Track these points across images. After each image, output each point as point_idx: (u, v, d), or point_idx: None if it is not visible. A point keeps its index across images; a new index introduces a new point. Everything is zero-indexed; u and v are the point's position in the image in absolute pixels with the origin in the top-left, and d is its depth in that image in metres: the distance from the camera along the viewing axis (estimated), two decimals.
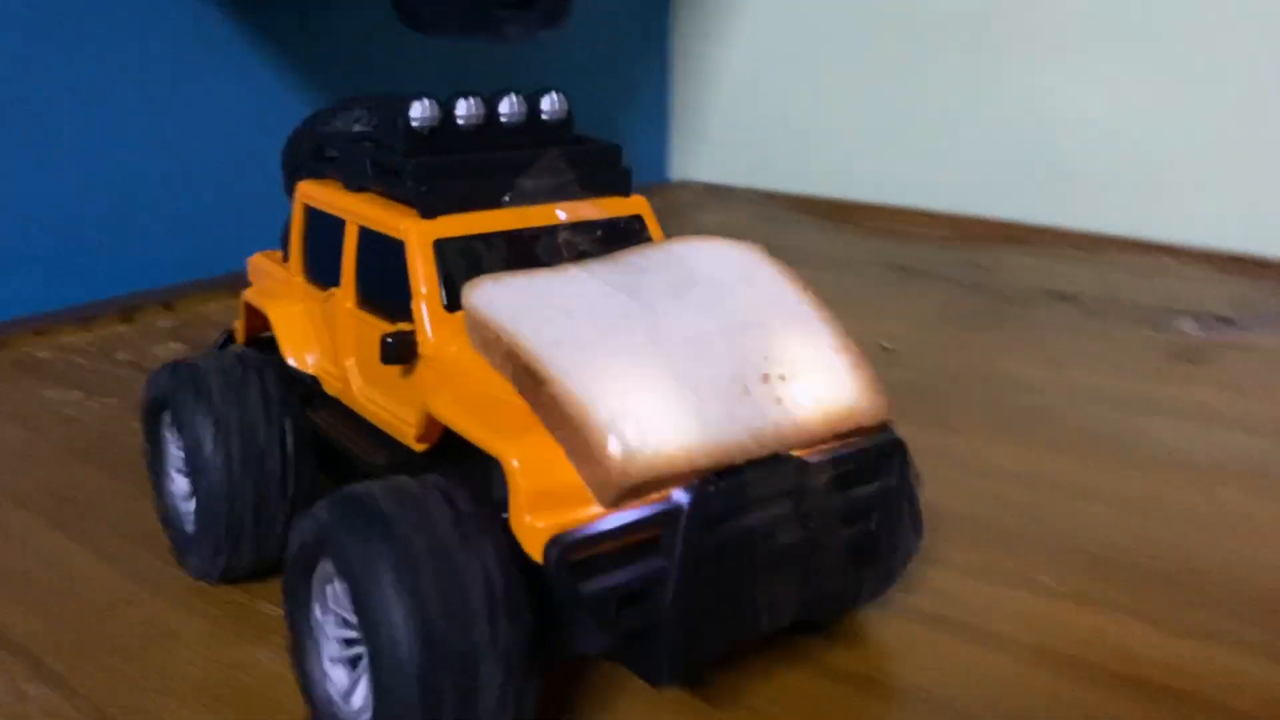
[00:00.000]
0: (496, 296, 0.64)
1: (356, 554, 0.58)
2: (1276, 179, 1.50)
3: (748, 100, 1.99)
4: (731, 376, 0.62)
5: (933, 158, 1.78)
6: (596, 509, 0.58)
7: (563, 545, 0.56)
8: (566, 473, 0.58)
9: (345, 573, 0.59)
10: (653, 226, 0.77)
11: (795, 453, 0.62)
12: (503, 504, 0.63)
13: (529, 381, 0.59)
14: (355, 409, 0.75)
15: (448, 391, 0.65)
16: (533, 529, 0.57)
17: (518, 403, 0.61)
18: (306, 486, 0.79)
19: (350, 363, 0.75)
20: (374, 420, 0.73)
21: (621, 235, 0.74)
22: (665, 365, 0.60)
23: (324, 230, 0.78)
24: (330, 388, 0.78)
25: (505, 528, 0.60)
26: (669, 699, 0.69)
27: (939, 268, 1.56)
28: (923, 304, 1.39)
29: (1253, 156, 1.52)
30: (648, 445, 0.57)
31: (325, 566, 0.62)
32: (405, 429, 0.70)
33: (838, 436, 0.64)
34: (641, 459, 0.57)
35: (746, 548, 0.61)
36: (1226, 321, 1.31)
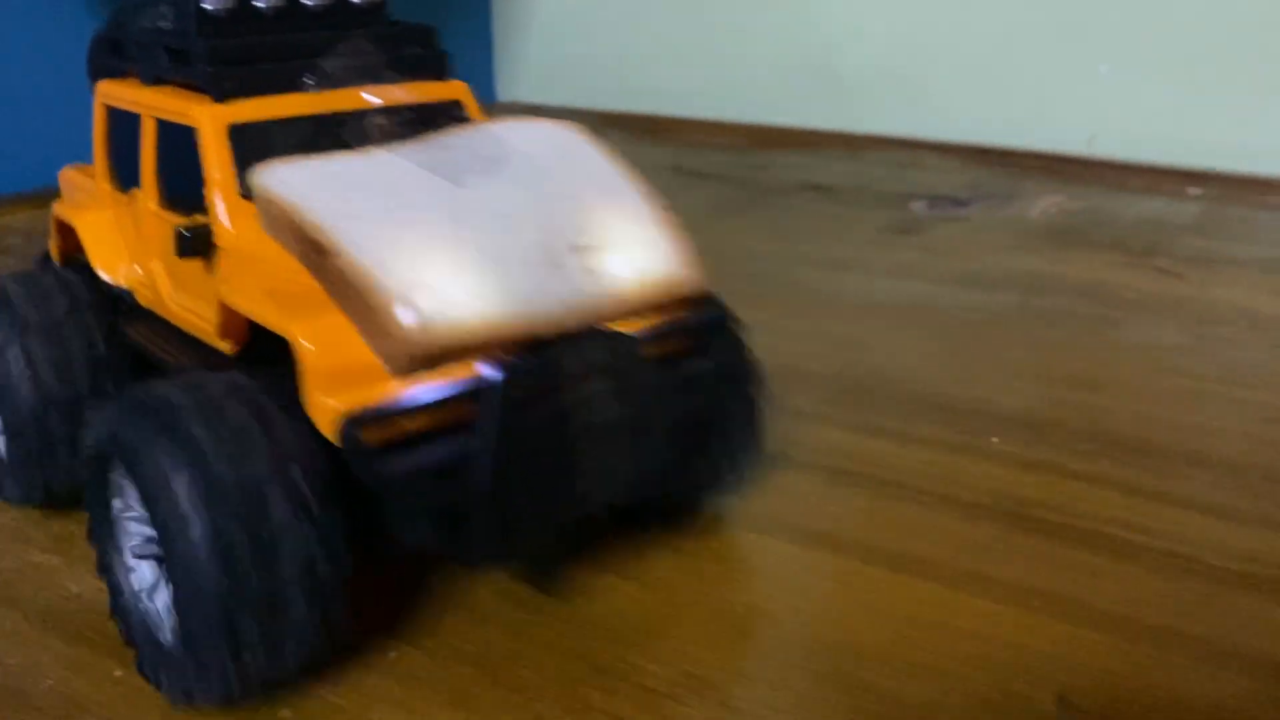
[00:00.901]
0: (289, 177, 0.60)
1: (144, 453, 0.55)
2: (1017, 79, 1.70)
3: (565, 22, 2.12)
4: (540, 247, 0.59)
5: (726, 72, 1.97)
6: (399, 387, 0.55)
7: (355, 421, 0.53)
8: (363, 351, 0.55)
9: (135, 474, 0.55)
10: (474, 113, 0.74)
11: (613, 326, 0.60)
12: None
13: (315, 256, 0.56)
14: (165, 316, 0.71)
15: (241, 280, 0.61)
16: (325, 407, 0.54)
17: (304, 283, 0.58)
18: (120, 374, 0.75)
19: (157, 267, 0.71)
20: (182, 325, 0.69)
21: (438, 122, 0.71)
22: (466, 237, 0.57)
23: (125, 130, 0.74)
24: (144, 299, 0.74)
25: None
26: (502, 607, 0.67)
27: (718, 170, 1.74)
28: (694, 199, 1.55)
29: (999, 60, 1.71)
30: (442, 314, 0.54)
31: (117, 468, 0.58)
32: (208, 328, 0.66)
33: (657, 309, 0.62)
34: (435, 329, 0.54)
35: (562, 424, 0.59)
36: (956, 202, 1.50)
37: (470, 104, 0.74)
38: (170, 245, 0.69)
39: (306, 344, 0.54)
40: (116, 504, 0.59)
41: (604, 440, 0.61)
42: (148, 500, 0.54)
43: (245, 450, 0.54)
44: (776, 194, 1.59)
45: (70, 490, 0.76)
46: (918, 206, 1.48)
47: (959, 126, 1.73)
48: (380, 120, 0.69)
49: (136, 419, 0.56)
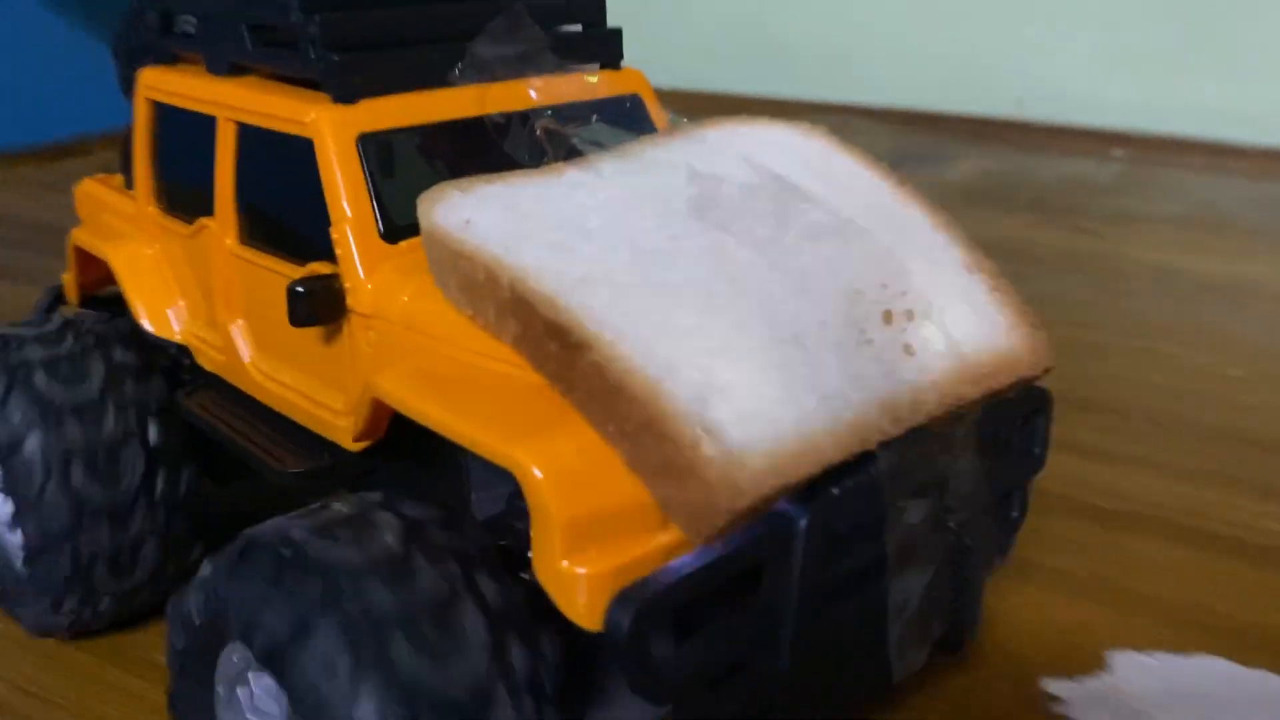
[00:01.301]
0: (475, 214, 0.41)
1: (284, 630, 0.36)
2: (945, 44, 1.70)
3: None
4: (844, 318, 0.41)
5: (656, 38, 2.07)
6: (666, 535, 0.37)
7: (637, 607, 0.35)
8: (618, 482, 0.37)
9: (271, 660, 0.37)
10: (654, 110, 0.55)
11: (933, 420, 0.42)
12: (497, 530, 0.41)
13: (552, 345, 0.37)
14: (250, 391, 0.52)
15: (403, 364, 0.42)
16: (576, 578, 0.36)
17: (522, 378, 0.39)
18: (185, 504, 0.56)
19: (238, 325, 0.52)
20: (281, 408, 0.50)
21: (617, 122, 0.52)
22: (751, 308, 0.39)
23: (184, 136, 0.54)
24: (209, 361, 0.54)
25: (515, 568, 0.39)
26: None
27: None
28: None
29: (927, 25, 1.71)
30: (756, 440, 0.36)
31: (233, 653, 0.39)
32: (333, 420, 0.47)
33: (989, 396, 0.44)
34: (753, 464, 0.35)
35: (878, 575, 0.41)
36: None
37: (650, 97, 0.55)
38: (262, 296, 0.50)
39: (543, 481, 0.35)
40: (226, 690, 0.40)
41: (928, 586, 0.43)
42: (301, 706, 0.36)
43: (438, 629, 0.36)
44: None
45: (111, 622, 0.57)
46: None
47: (888, 91, 1.72)
48: (551, 124, 0.50)
49: (285, 592, 0.37)
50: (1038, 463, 0.48)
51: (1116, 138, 1.56)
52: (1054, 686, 0.54)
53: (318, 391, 0.48)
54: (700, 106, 2.00)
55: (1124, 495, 0.70)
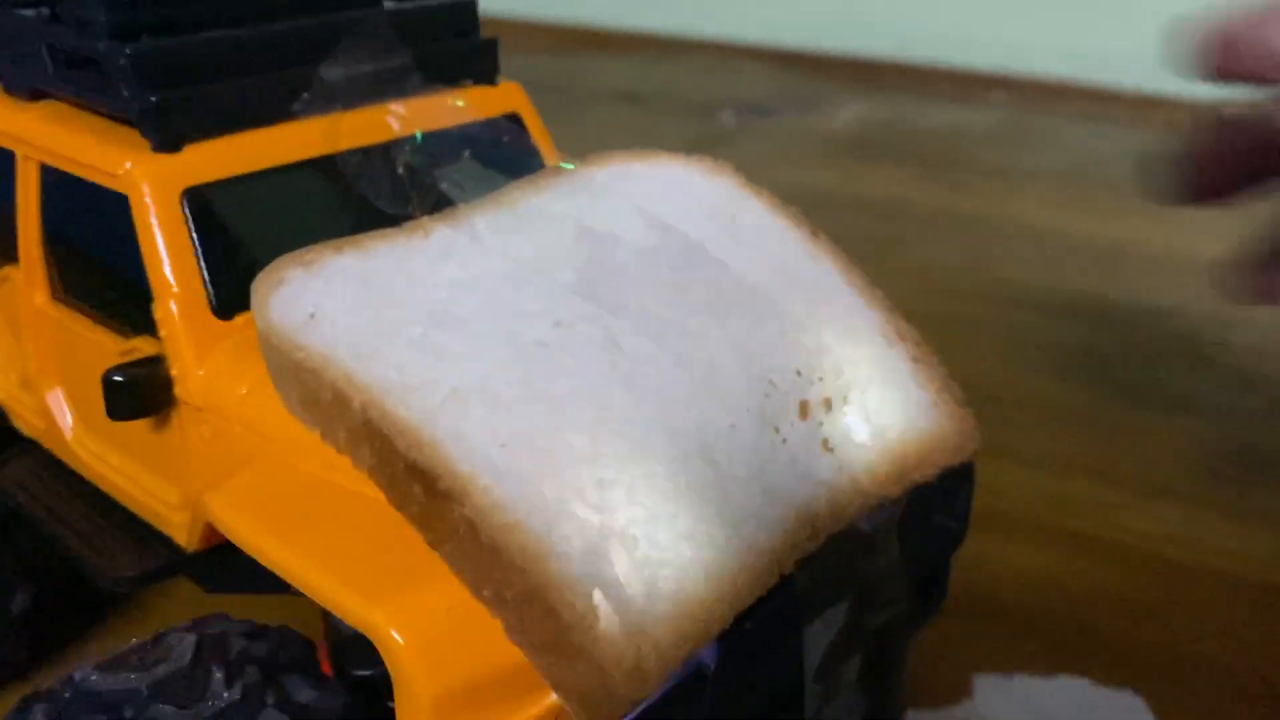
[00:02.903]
0: (321, 302, 0.35)
1: None
2: None
3: None
4: (757, 417, 0.35)
5: None
6: (548, 700, 0.32)
7: None
8: (498, 643, 0.31)
9: None
10: (535, 128, 0.49)
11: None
12: (358, 656, 0.36)
13: (415, 488, 0.31)
14: (75, 468, 0.45)
15: (241, 477, 0.36)
16: None
17: (381, 503, 0.33)
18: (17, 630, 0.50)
19: (56, 394, 0.45)
20: (112, 493, 0.44)
21: (495, 150, 0.46)
22: (651, 419, 0.34)
23: None
24: (27, 426, 0.47)
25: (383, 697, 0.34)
26: None
27: (524, 76, 1.74)
28: None
29: None
30: (661, 599, 0.31)
31: None
32: (168, 515, 0.41)
33: (909, 484, 0.39)
34: (657, 633, 0.30)
35: (794, 694, 0.37)
36: (764, 112, 1.45)
37: (530, 116, 0.49)
38: (80, 365, 0.43)
39: (406, 650, 0.30)
40: None
41: (845, 689, 0.39)
42: None
43: None
44: (585, 103, 1.49)
45: None
46: (725, 116, 1.44)
47: (769, 28, 1.70)
48: (416, 159, 0.44)
49: None
50: (959, 535, 0.44)
51: (996, 81, 1.55)
52: (915, 718, 0.51)
53: (150, 482, 0.41)
54: (572, 42, 1.78)
55: (993, 491, 0.66)
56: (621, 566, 0.30)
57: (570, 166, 0.43)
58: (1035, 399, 0.78)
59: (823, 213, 1.20)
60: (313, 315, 0.34)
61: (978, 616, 0.57)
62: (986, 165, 1.27)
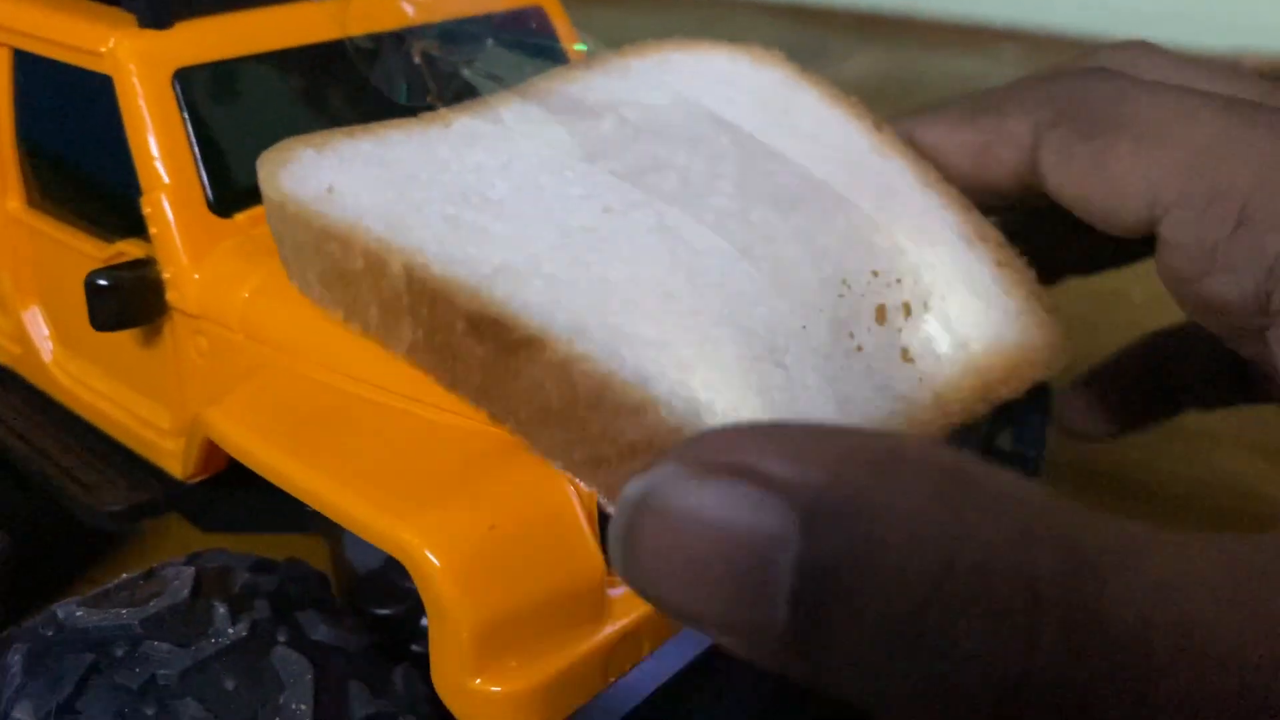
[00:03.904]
0: (338, 179, 0.30)
1: None
2: None
3: None
4: (829, 320, 0.31)
5: None
6: (608, 627, 0.28)
7: None
8: (545, 563, 0.27)
9: None
10: (562, 27, 0.44)
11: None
12: (376, 593, 0.32)
13: (479, 348, 0.27)
14: (55, 396, 0.41)
15: (244, 388, 0.32)
16: (491, 700, 0.26)
17: (410, 413, 0.29)
18: None
19: (33, 313, 0.40)
20: (96, 422, 0.39)
21: (519, 42, 0.42)
22: (718, 313, 0.29)
23: None
24: (1, 353, 0.43)
25: (404, 641, 0.30)
26: None
27: None
28: None
29: None
30: None
31: None
32: (158, 442, 0.36)
33: (994, 400, 0.35)
34: None
35: None
36: None
37: (557, 12, 0.44)
38: (60, 278, 0.38)
39: (443, 572, 0.26)
40: None
41: None
42: None
43: (267, 690, 0.27)
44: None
45: None
46: None
47: None
48: (433, 48, 0.39)
49: (42, 680, 0.27)
50: (1033, 468, 0.40)
51: (1008, 34, 1.50)
52: None
53: (138, 405, 0.37)
54: None
55: None
56: None
57: (583, 48, 0.39)
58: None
59: None
60: (330, 189, 0.30)
61: None
62: None
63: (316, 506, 0.27)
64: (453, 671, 0.26)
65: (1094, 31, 1.44)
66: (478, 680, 0.26)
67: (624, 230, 0.30)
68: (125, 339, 0.36)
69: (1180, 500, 0.59)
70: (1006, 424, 0.39)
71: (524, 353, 0.26)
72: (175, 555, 0.32)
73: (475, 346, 0.26)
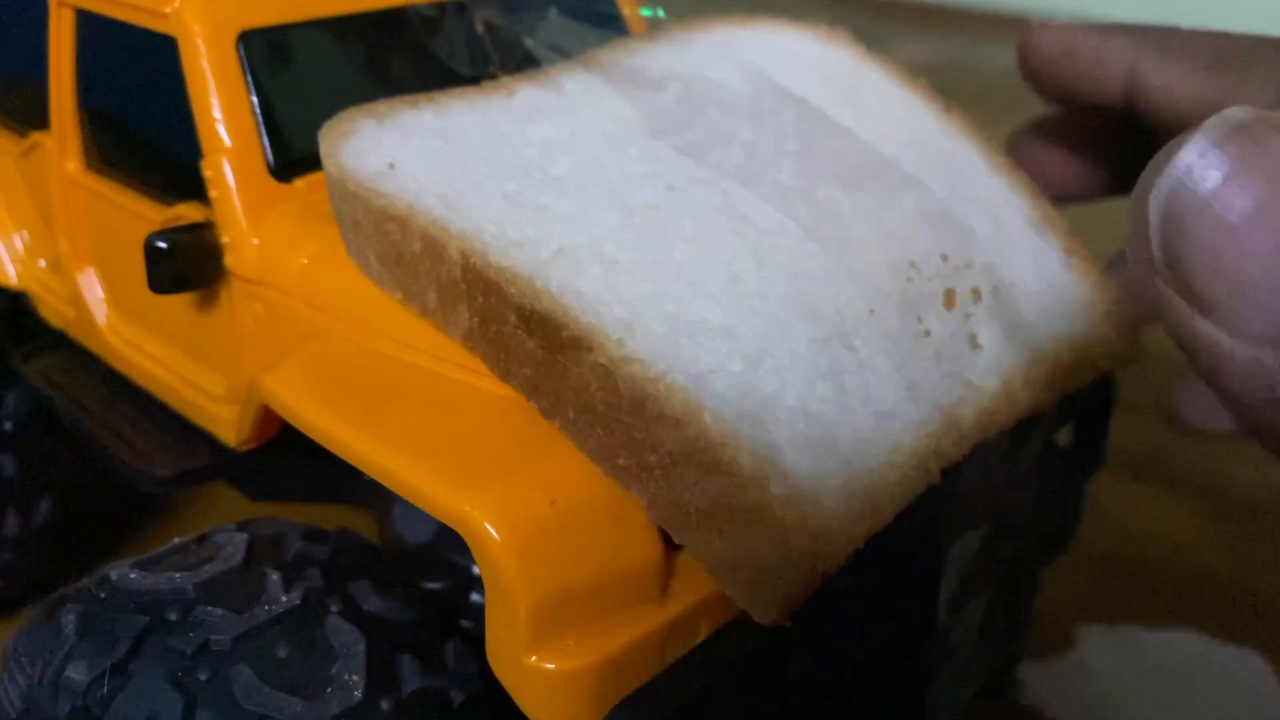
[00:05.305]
0: (399, 154, 0.30)
1: (89, 685, 0.26)
2: None
3: None
4: (898, 302, 0.31)
5: None
6: (669, 607, 0.27)
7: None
8: (606, 542, 0.27)
9: None
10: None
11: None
12: (425, 564, 0.32)
13: (530, 343, 0.26)
14: (109, 360, 0.41)
15: (300, 354, 0.31)
16: (547, 678, 0.26)
17: (472, 385, 0.29)
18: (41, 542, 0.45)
19: (88, 275, 0.40)
20: (149, 386, 0.39)
21: (583, 12, 0.41)
22: (786, 295, 0.29)
23: (10, 22, 0.42)
24: (55, 315, 0.43)
25: (453, 615, 0.30)
26: None
27: None
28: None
29: None
30: (826, 475, 0.26)
31: None
32: (211, 409, 0.36)
33: (1064, 394, 0.34)
34: (832, 507, 0.26)
35: (926, 630, 0.32)
36: None
37: None
38: (117, 241, 0.38)
39: (503, 547, 0.25)
40: None
41: (974, 629, 0.34)
42: None
43: (318, 660, 0.27)
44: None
45: None
46: None
47: None
48: (495, 18, 0.39)
49: (93, 642, 0.27)
50: (1097, 463, 0.39)
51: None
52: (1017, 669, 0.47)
53: (192, 371, 0.37)
54: None
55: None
56: (782, 434, 0.26)
57: (649, 13, 0.38)
58: None
59: None
60: (391, 165, 0.29)
61: (1096, 562, 0.52)
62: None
63: (374, 475, 0.27)
64: (508, 647, 0.26)
65: (1149, 19, 1.44)
66: (533, 657, 0.25)
67: (688, 209, 0.30)
68: (181, 303, 0.36)
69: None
70: (1071, 417, 0.38)
71: (572, 352, 0.25)
72: (224, 522, 0.32)
73: (526, 340, 0.26)
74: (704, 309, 0.27)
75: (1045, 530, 0.37)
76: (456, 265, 0.27)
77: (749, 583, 0.25)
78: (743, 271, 0.29)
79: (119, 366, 0.40)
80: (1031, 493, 0.35)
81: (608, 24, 0.41)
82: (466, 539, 0.26)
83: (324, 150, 0.30)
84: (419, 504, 0.26)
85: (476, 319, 0.27)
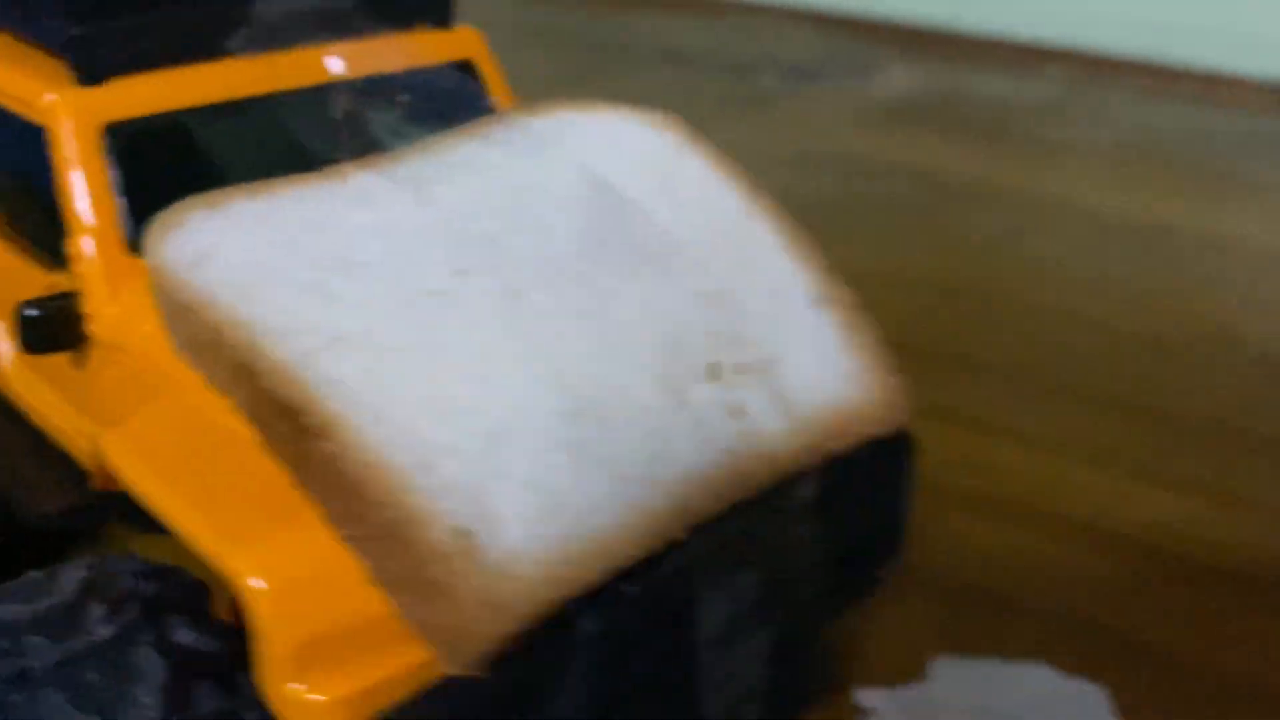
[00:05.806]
0: (219, 243, 0.34)
1: None
2: None
3: None
4: (658, 378, 0.35)
5: None
6: (418, 653, 0.31)
7: None
8: (368, 595, 0.31)
9: None
10: (492, 78, 0.48)
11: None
12: None
13: (282, 426, 0.31)
14: (13, 399, 0.45)
15: (143, 414, 0.36)
16: (305, 705, 0.30)
17: (263, 446, 0.33)
18: None
19: None
20: (43, 426, 0.44)
21: (442, 99, 0.45)
22: (542, 374, 0.33)
23: None
24: None
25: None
26: None
27: (567, 31, 1.64)
28: (537, 62, 1.37)
29: None
30: (529, 541, 0.30)
31: None
32: (80, 445, 0.41)
33: (828, 454, 0.38)
34: (524, 573, 0.30)
35: (688, 668, 0.36)
36: (808, 75, 1.43)
37: (488, 65, 0.48)
38: (14, 300, 0.43)
39: (258, 586, 0.30)
40: None
41: (744, 665, 0.38)
42: None
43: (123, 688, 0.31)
44: (628, 60, 1.48)
45: None
46: (768, 78, 1.41)
47: None
48: (352, 105, 0.43)
49: None
50: (894, 514, 0.43)
51: (1053, 54, 1.49)
52: (866, 698, 0.50)
53: (75, 417, 0.41)
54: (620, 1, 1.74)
55: (988, 471, 0.64)
56: (492, 507, 0.30)
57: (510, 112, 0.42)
58: (1045, 379, 0.75)
59: (854, 177, 1.16)
60: (204, 255, 0.34)
61: (948, 596, 0.55)
62: (1033, 139, 1.24)
63: (171, 529, 0.32)
64: (272, 677, 0.30)
65: (1139, 53, 1.44)
66: (294, 685, 0.30)
67: (470, 294, 0.34)
68: (62, 360, 0.40)
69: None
70: (873, 475, 0.41)
71: (312, 438, 0.29)
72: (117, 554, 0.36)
73: (280, 424, 0.30)
74: (458, 389, 0.31)
75: (832, 576, 0.41)
76: (235, 356, 0.31)
77: (439, 641, 0.29)
78: (504, 351, 0.33)
79: (18, 402, 0.44)
80: (808, 541, 0.38)
81: (468, 109, 0.45)
82: (233, 591, 0.30)
83: (148, 239, 0.34)
84: (200, 556, 0.31)
85: (250, 400, 0.31)
